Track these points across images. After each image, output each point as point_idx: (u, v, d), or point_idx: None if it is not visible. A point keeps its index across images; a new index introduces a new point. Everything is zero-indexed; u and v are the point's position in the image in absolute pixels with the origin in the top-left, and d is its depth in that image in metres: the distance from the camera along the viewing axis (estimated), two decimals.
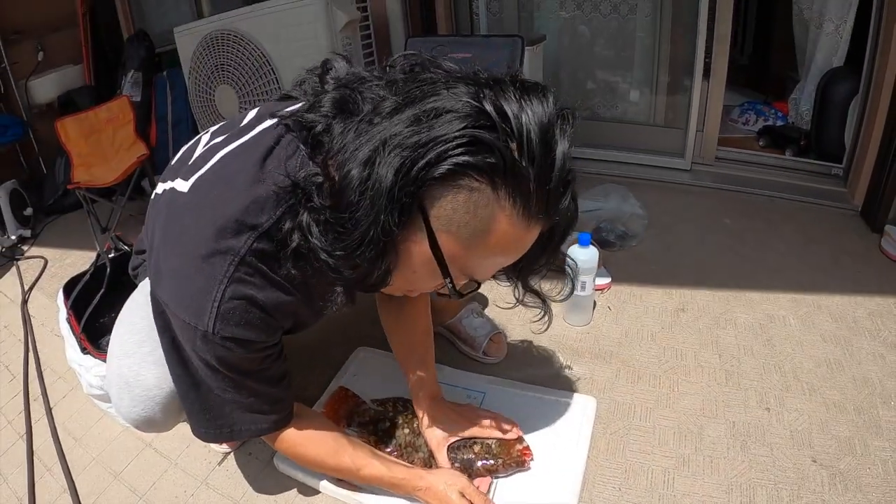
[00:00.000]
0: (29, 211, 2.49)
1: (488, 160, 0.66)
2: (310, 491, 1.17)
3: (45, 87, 2.76)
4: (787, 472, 1.15)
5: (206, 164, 0.87)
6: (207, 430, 0.93)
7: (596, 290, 1.69)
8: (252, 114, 0.97)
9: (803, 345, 1.45)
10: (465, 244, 0.72)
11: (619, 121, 2.66)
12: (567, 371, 1.47)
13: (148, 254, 0.91)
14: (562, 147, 0.69)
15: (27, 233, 2.40)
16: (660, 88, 2.54)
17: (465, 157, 0.66)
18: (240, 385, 0.87)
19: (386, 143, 0.66)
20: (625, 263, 1.86)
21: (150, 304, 0.91)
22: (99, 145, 2.48)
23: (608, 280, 1.76)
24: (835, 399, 1.29)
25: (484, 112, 0.66)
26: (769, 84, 3.05)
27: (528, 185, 0.69)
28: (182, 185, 0.86)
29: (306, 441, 1.01)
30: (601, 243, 1.92)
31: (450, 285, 0.77)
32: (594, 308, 1.66)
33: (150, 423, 1.02)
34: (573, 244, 1.51)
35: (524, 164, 0.68)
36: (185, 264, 0.79)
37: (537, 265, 0.88)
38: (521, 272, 0.90)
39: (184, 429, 1.22)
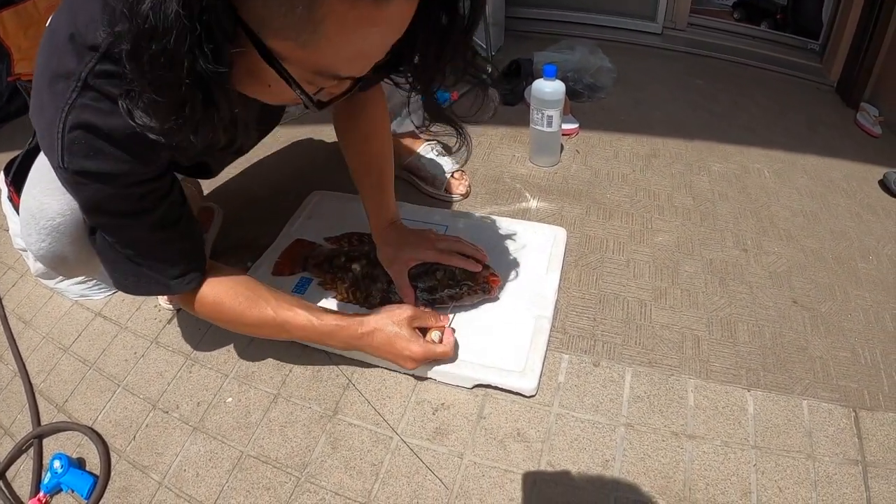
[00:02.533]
0: None
1: None
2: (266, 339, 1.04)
3: None
4: (769, 310, 1.05)
5: None
6: (115, 279, 0.82)
7: (563, 134, 1.52)
8: None
9: (779, 196, 1.34)
10: (300, 43, 0.52)
11: None
12: (535, 207, 1.31)
13: None
14: None
15: None
16: None
17: None
18: (119, 230, 0.75)
19: None
20: (593, 113, 1.68)
21: None
22: (39, 37, 2.05)
23: (576, 125, 1.58)
24: (813, 247, 1.19)
25: None
26: None
27: None
28: None
29: (221, 296, 0.85)
30: (568, 94, 1.73)
31: (303, 97, 0.59)
32: (561, 151, 1.48)
33: (62, 261, 0.88)
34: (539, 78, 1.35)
35: None
36: (37, 93, 0.68)
37: (439, 63, 0.66)
38: (418, 72, 0.69)
39: None
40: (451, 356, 0.91)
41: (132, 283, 0.80)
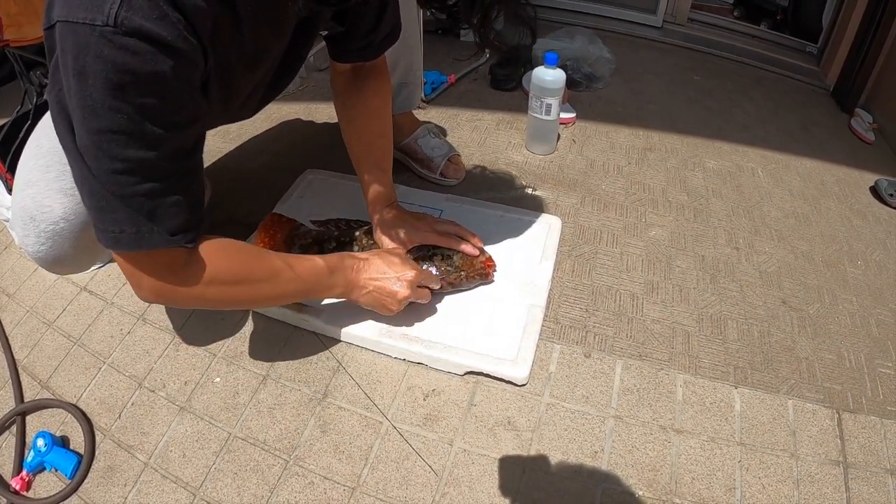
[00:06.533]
0: None
1: None
2: (255, 316, 1.04)
3: None
4: (758, 309, 1.06)
5: None
6: (104, 229, 0.64)
7: (560, 123, 1.51)
8: None
9: (772, 196, 1.35)
10: None
11: None
12: (530, 195, 1.30)
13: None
14: None
15: None
16: None
17: None
18: (134, 141, 0.59)
19: None
20: (590, 102, 1.68)
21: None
22: (30, 2, 2.01)
23: (573, 115, 1.58)
24: (803, 249, 1.21)
25: None
26: None
27: None
28: None
29: (221, 253, 0.74)
30: (566, 83, 1.72)
31: None
32: (558, 140, 1.47)
33: (59, 262, 0.86)
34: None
35: None
36: None
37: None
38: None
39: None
40: (428, 298, 0.95)
41: (129, 235, 0.64)
